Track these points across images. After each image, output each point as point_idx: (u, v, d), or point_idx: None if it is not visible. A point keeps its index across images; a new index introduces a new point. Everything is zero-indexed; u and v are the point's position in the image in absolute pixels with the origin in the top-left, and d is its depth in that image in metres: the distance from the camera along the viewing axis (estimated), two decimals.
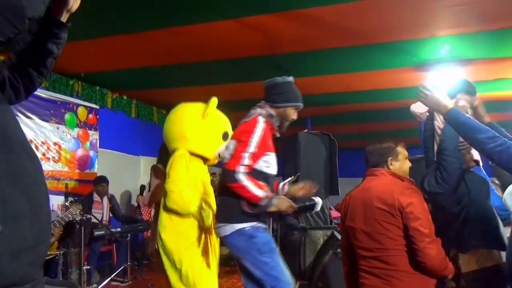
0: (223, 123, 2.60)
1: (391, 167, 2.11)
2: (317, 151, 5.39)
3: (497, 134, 1.75)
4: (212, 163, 2.65)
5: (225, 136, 2.55)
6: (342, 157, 6.22)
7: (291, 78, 2.62)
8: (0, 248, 0.89)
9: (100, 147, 5.74)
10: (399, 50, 4.26)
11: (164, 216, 2.44)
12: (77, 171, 5.29)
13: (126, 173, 6.27)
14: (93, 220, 4.09)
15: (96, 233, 4.07)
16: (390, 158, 2.10)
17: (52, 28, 1.09)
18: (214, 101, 2.53)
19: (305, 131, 5.72)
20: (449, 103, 1.90)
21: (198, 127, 2.49)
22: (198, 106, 2.55)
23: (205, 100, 5.77)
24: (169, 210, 2.41)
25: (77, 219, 3.30)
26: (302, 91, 6.24)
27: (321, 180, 5.30)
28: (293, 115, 2.57)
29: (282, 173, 5.88)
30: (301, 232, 4.58)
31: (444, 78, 4.67)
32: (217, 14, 3.55)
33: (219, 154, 2.57)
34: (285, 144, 6.04)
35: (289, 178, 4.44)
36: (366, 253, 2.01)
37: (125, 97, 6.28)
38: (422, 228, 1.87)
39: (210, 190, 2.65)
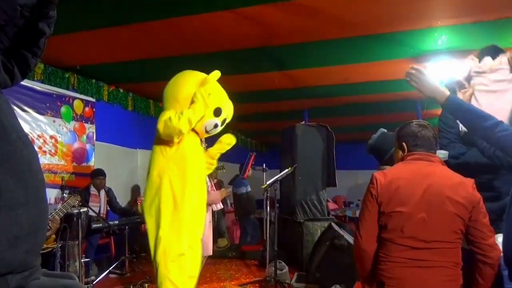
0: (219, 98, 2.53)
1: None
2: (315, 143, 5.40)
3: (499, 120, 1.72)
4: (200, 136, 2.62)
5: (216, 111, 2.49)
6: (340, 149, 6.23)
7: None
8: None
9: (96, 140, 5.72)
10: (396, 41, 4.25)
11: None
12: (73, 164, 5.27)
13: (123, 166, 6.25)
14: (91, 213, 4.08)
15: (94, 225, 4.07)
16: (435, 146, 1.96)
17: (41, 8, 1.08)
18: (216, 73, 2.49)
19: (302, 123, 5.73)
20: (446, 90, 1.84)
21: (192, 94, 2.42)
22: (199, 75, 2.52)
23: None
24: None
25: (75, 211, 3.29)
26: (299, 83, 6.30)
27: (318, 171, 5.32)
28: None
29: (280, 165, 5.90)
30: None
31: (442, 69, 4.67)
32: (213, 5, 3.52)
33: (205, 128, 2.53)
34: (282, 136, 6.05)
35: (286, 170, 4.46)
36: (414, 243, 1.81)
37: (121, 90, 6.26)
38: (489, 224, 1.81)
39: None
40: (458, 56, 4.51)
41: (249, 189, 7.18)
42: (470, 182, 1.86)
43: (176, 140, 2.37)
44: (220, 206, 3.81)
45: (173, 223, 2.34)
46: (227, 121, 2.70)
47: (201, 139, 2.73)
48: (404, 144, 1.97)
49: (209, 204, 3.66)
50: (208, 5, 3.53)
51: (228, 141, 2.99)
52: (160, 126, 2.29)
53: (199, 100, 2.36)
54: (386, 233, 1.86)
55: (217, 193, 3.62)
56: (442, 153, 2.21)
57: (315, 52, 4.70)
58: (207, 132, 2.56)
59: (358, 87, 6.00)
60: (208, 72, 5.49)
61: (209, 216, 3.55)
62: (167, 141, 2.38)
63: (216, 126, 2.56)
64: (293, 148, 5.41)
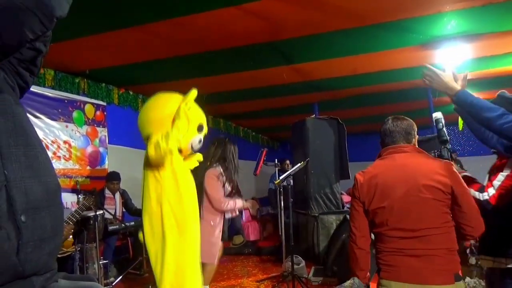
0: (200, 115, 2.56)
1: (413, 143, 2.06)
2: (326, 136, 5.37)
3: (507, 112, 1.74)
4: (184, 154, 2.60)
5: (200, 128, 2.53)
6: (352, 141, 6.18)
7: None
8: (25, 237, 0.94)
9: (109, 143, 5.78)
10: (404, 28, 4.18)
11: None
12: (88, 168, 5.34)
13: (137, 168, 6.26)
14: (107, 215, 4.13)
15: (110, 228, 4.11)
16: (411, 135, 2.06)
17: None
18: (194, 92, 2.50)
19: (312, 116, 5.70)
20: (457, 85, 1.92)
21: (173, 113, 2.42)
22: (177, 96, 2.53)
23: (212, 89, 5.77)
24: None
25: (91, 214, 3.33)
26: (308, 76, 6.26)
27: (331, 164, 5.29)
28: None
29: (292, 159, 5.88)
30: None
31: (452, 55, 4.60)
32: (218, 2, 3.52)
33: (191, 146, 2.55)
34: (293, 130, 6.03)
35: (299, 164, 4.44)
36: (402, 233, 1.91)
37: (131, 93, 6.30)
38: (474, 204, 1.91)
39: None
40: (468, 41, 4.45)
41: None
42: (446, 165, 1.93)
43: (167, 162, 2.37)
44: (236, 214, 3.77)
45: (179, 248, 2.34)
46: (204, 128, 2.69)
47: None
48: (382, 141, 2.12)
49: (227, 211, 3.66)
50: (213, 2, 3.52)
51: None
52: (151, 151, 2.27)
53: (181, 117, 2.36)
54: (376, 228, 2.00)
55: (241, 203, 3.57)
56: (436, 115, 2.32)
57: (323, 44, 4.65)
58: (192, 149, 2.56)
59: (368, 77, 5.93)
60: (216, 71, 5.53)
61: (220, 224, 3.54)
62: (158, 165, 2.38)
63: (200, 141, 2.57)
64: (305, 142, 5.39)
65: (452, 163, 1.99)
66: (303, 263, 4.46)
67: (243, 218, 7.56)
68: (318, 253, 4.91)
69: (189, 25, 3.93)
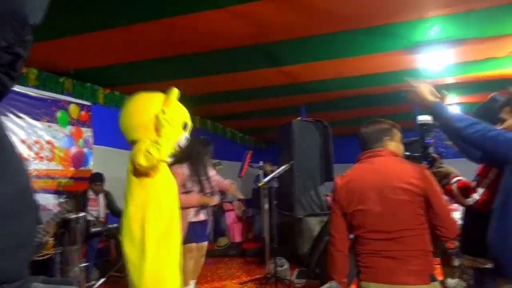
0: (183, 113, 2.52)
1: (389, 147, 2.11)
2: (312, 138, 5.41)
3: (478, 121, 1.80)
4: (170, 154, 2.60)
5: (185, 126, 2.49)
6: (338, 143, 6.23)
7: None
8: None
9: (94, 144, 5.72)
10: (389, 33, 4.23)
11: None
12: (71, 169, 5.28)
13: (122, 169, 6.19)
14: (90, 217, 4.10)
15: (93, 229, 4.08)
16: (386, 138, 2.11)
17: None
18: (175, 91, 2.47)
19: (298, 119, 5.73)
20: (433, 98, 1.98)
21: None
22: (158, 96, 2.46)
23: (200, 90, 5.72)
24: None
25: (72, 216, 3.30)
26: (295, 79, 6.28)
27: (316, 166, 5.33)
28: None
29: (277, 161, 5.91)
30: None
31: (435, 59, 4.66)
32: (205, 4, 3.52)
33: (179, 145, 2.53)
34: (279, 132, 6.05)
35: (283, 166, 4.47)
36: (378, 235, 1.96)
37: (117, 93, 6.25)
38: (444, 201, 1.98)
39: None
40: (451, 46, 4.51)
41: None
42: (419, 169, 2.00)
43: (156, 170, 2.35)
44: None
45: (160, 256, 2.31)
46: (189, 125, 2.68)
47: None
48: (360, 145, 2.18)
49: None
50: (200, 4, 3.52)
51: None
52: (141, 160, 2.22)
53: (165, 125, 2.31)
54: (354, 230, 2.05)
55: (195, 200, 3.61)
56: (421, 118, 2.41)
57: (309, 47, 4.68)
58: (180, 148, 2.54)
59: (353, 80, 5.98)
60: (203, 72, 5.52)
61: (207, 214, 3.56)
62: (146, 174, 2.35)
63: (186, 139, 2.55)
64: (290, 144, 5.41)
65: (426, 167, 2.04)
66: (286, 265, 4.47)
67: (229, 220, 7.56)
68: (302, 255, 4.94)
69: (176, 27, 3.92)
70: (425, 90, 2.01)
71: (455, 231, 1.98)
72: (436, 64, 4.78)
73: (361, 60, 5.03)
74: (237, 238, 7.35)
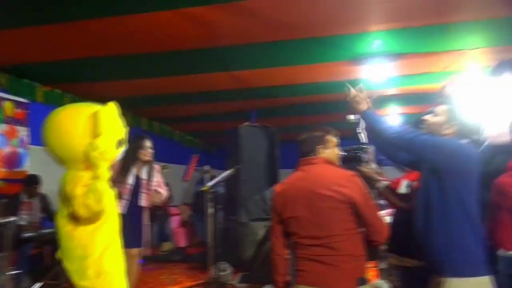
0: (118, 133, 2.15)
1: (322, 155, 2.18)
2: (258, 143, 5.46)
3: (404, 128, 1.95)
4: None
5: (119, 143, 2.15)
6: (286, 149, 6.32)
7: None
8: None
9: (31, 143, 5.40)
10: (335, 44, 4.37)
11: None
12: (3, 170, 4.95)
13: (60, 171, 5.95)
14: (22, 222, 3.86)
15: (25, 235, 3.84)
16: (319, 146, 2.18)
17: None
18: (109, 110, 2.05)
19: (246, 123, 5.76)
20: (366, 105, 2.18)
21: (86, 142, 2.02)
22: (86, 117, 2.00)
23: (148, 91, 5.52)
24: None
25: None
26: (244, 84, 6.32)
27: (262, 171, 5.38)
28: None
29: (224, 166, 5.90)
30: None
31: (377, 71, 4.87)
32: (155, 4, 3.45)
33: (115, 163, 2.33)
34: (227, 137, 6.05)
35: (228, 171, 4.47)
36: (311, 241, 2.04)
37: (58, 91, 5.95)
38: (373, 208, 2.08)
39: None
40: (392, 59, 4.74)
41: None
42: (349, 176, 2.11)
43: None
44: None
45: (107, 265, 2.17)
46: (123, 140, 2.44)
47: None
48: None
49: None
50: (150, 4, 3.45)
51: None
52: (82, 211, 1.95)
53: (100, 165, 1.99)
54: (291, 236, 2.15)
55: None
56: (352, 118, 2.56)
57: (259, 54, 4.74)
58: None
59: (301, 88, 6.12)
60: (150, 73, 5.40)
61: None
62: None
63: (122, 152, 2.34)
64: (237, 149, 5.43)
65: (355, 173, 2.15)
66: (229, 270, 4.47)
67: (173, 224, 7.43)
68: (246, 260, 4.95)
69: (122, 25, 3.81)
70: (362, 97, 2.20)
71: (385, 235, 2.09)
72: (378, 76, 5.00)
73: (308, 69, 5.17)
74: (182, 243, 7.23)
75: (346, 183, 2.04)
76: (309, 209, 2.05)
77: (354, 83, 5.15)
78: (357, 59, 4.74)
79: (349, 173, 2.13)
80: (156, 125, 8.73)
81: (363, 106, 2.20)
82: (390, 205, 2.74)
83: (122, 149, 2.20)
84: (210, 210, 4.26)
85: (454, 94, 2.42)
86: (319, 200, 2.02)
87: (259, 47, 4.46)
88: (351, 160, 2.80)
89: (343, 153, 2.37)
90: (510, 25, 4.00)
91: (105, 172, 2.01)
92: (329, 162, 2.18)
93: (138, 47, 4.40)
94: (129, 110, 6.92)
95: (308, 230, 2.05)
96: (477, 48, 4.67)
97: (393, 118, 7.75)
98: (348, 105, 2.28)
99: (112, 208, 2.19)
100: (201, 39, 4.20)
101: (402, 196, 2.51)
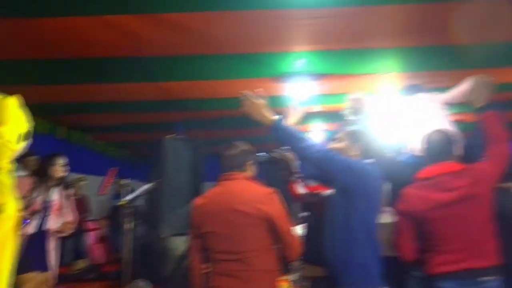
0: (22, 123, 2.05)
1: (247, 171, 2.21)
2: (183, 156, 5.37)
3: (316, 143, 2.02)
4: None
5: (26, 135, 2.05)
6: (212, 162, 6.29)
7: None
8: None
9: None
10: (259, 61, 4.50)
11: None
12: None
13: None
14: None
15: None
16: (248, 162, 2.23)
17: None
18: (14, 100, 1.97)
19: (171, 135, 5.65)
20: (271, 115, 2.13)
21: None
22: None
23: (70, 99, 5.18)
24: None
25: None
26: (171, 95, 6.23)
27: (185, 185, 5.28)
28: None
29: (147, 178, 5.72)
30: None
31: (300, 89, 5.05)
32: (73, 9, 3.29)
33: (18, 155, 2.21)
34: (151, 148, 5.88)
35: (147, 185, 4.34)
36: (226, 256, 2.07)
37: None
38: (288, 225, 2.13)
39: None
40: (314, 79, 4.96)
41: None
42: (268, 193, 2.16)
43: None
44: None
45: None
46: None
47: None
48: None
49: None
50: (67, 9, 3.28)
51: None
52: None
53: (2, 149, 1.89)
54: (207, 251, 2.16)
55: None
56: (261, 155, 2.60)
57: (185, 66, 4.73)
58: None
59: (228, 102, 6.15)
60: (70, 78, 5.12)
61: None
62: None
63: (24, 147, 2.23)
64: (161, 161, 5.30)
65: (274, 191, 2.19)
66: (148, 287, 4.31)
67: (90, 240, 7.00)
68: (165, 275, 4.81)
69: (39, 29, 3.58)
70: (264, 106, 2.16)
71: (298, 252, 2.16)
72: (301, 93, 5.18)
73: (234, 83, 5.22)
74: (99, 260, 6.83)
75: (265, 200, 2.10)
76: (226, 224, 2.07)
77: (279, 99, 5.37)
78: (281, 76, 4.90)
79: (269, 190, 2.18)
80: (76, 134, 8.24)
81: (270, 115, 2.12)
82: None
83: (25, 143, 2.08)
84: (128, 225, 4.10)
85: (358, 113, 2.56)
86: (238, 216, 2.05)
87: (185, 60, 4.45)
88: (270, 163, 2.85)
89: (263, 155, 2.41)
90: (417, 53, 4.40)
91: (7, 164, 1.91)
92: (250, 178, 2.22)
93: (56, 52, 4.16)
94: (45, 117, 6.50)
95: (224, 245, 2.07)
96: (390, 72, 5.06)
97: (317, 134, 8.09)
98: (247, 111, 2.19)
99: (9, 218, 2.04)
100: (124, 47, 4.09)
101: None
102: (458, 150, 2.18)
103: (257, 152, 2.48)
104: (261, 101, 2.16)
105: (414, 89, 3.03)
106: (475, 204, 2.02)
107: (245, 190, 2.16)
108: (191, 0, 3.24)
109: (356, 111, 2.62)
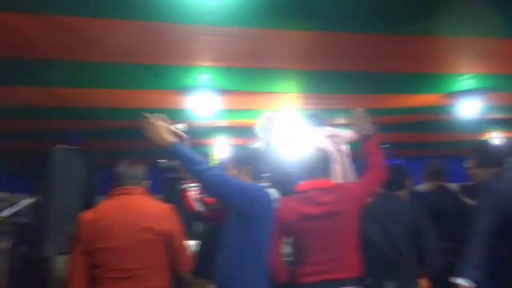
0: None
1: (143, 186, 2.24)
2: (74, 168, 4.96)
3: (213, 166, 2.06)
4: None
5: None
6: (108, 174, 5.94)
7: None
8: None
9: None
10: (163, 73, 4.43)
11: None
12: None
13: None
14: None
15: None
16: (144, 177, 2.27)
17: None
18: None
19: (61, 145, 5.23)
20: (170, 138, 2.10)
21: None
22: None
23: None
24: None
25: None
26: (63, 102, 5.79)
27: (76, 199, 4.90)
28: None
29: (31, 192, 5.19)
30: None
31: (204, 103, 5.04)
32: None
33: None
34: (38, 159, 5.36)
35: (31, 199, 3.93)
36: (118, 274, 2.00)
37: None
38: (184, 241, 2.17)
39: None
40: (217, 94, 5.01)
41: None
42: (167, 209, 2.20)
43: None
44: None
45: None
46: None
47: None
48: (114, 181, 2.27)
49: None
50: None
51: None
52: None
53: None
54: (94, 269, 2.06)
55: None
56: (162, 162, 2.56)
57: (81, 72, 4.44)
58: None
59: (127, 112, 5.92)
60: None
61: None
62: None
63: None
64: (48, 173, 4.86)
65: (173, 207, 2.19)
66: None
67: None
68: None
69: None
70: (163, 128, 2.12)
71: (190, 267, 2.20)
72: (205, 108, 5.17)
73: (134, 94, 5.08)
74: None
75: (167, 216, 2.13)
76: (125, 240, 2.01)
77: (182, 112, 5.32)
78: (184, 90, 4.87)
79: (168, 206, 2.20)
80: None
81: (169, 138, 2.10)
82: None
83: None
84: (5, 244, 3.67)
85: (269, 131, 2.64)
86: (140, 232, 2.02)
87: (80, 66, 4.18)
88: (170, 170, 2.80)
89: (164, 162, 2.39)
90: (313, 76, 4.72)
91: None
92: (147, 193, 2.22)
93: None
94: None
95: (117, 262, 2.01)
96: (290, 92, 5.34)
97: (222, 148, 8.16)
98: (148, 136, 2.15)
99: None
100: (7, 48, 3.71)
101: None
102: (335, 168, 2.37)
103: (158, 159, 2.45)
104: (163, 124, 2.10)
105: (315, 119, 3.21)
106: (340, 219, 2.20)
107: (146, 205, 2.15)
108: (90, 5, 3.06)
109: (266, 129, 2.72)
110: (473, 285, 2.28)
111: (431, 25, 3.47)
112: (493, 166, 2.68)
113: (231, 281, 2.04)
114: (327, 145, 2.68)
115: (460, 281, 2.32)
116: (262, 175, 2.32)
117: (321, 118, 3.13)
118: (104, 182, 5.51)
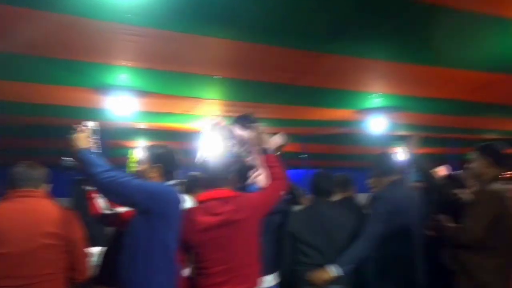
0: None
1: (44, 189, 2.13)
2: None
3: (113, 169, 1.97)
4: None
5: None
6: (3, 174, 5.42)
7: None
8: None
9: None
10: (78, 69, 4.20)
11: None
12: None
13: None
14: None
15: None
16: (41, 180, 2.15)
17: None
18: None
19: None
20: (83, 144, 2.02)
21: None
22: None
23: None
24: None
25: None
26: None
27: None
28: None
29: None
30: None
31: (122, 104, 4.87)
32: None
33: None
34: None
35: None
36: (10, 282, 1.85)
37: None
38: (84, 248, 2.10)
39: None
40: (136, 95, 4.87)
41: None
42: (66, 213, 2.11)
43: None
44: None
45: None
46: None
47: None
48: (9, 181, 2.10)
49: None
50: None
51: None
52: None
53: None
54: None
55: None
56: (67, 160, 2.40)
57: None
58: None
59: (41, 108, 5.52)
60: None
61: None
62: None
63: None
64: None
65: (74, 213, 2.10)
66: None
67: None
68: None
69: None
70: (81, 135, 2.06)
71: (88, 274, 2.12)
72: (123, 109, 4.99)
73: (48, 89, 4.75)
74: None
75: (66, 221, 2.03)
76: (24, 245, 1.89)
77: (99, 111, 5.06)
78: (101, 88, 4.68)
79: (70, 211, 2.12)
80: None
81: (81, 145, 2.04)
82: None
83: None
84: None
85: (212, 136, 2.63)
86: (39, 237, 1.91)
87: None
88: (75, 169, 2.65)
89: (69, 160, 2.28)
90: (234, 84, 4.81)
91: None
92: (49, 197, 2.10)
93: None
94: None
95: (14, 269, 1.87)
96: (213, 99, 5.38)
97: (142, 151, 7.91)
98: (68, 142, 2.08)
99: None
100: None
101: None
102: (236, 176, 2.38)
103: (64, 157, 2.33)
104: (84, 132, 2.06)
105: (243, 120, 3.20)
106: (237, 228, 2.12)
107: (47, 209, 2.05)
108: None
109: (210, 134, 2.70)
110: (342, 274, 2.59)
111: (346, 46, 3.74)
112: (388, 175, 2.96)
113: (136, 283, 1.98)
114: (248, 149, 2.68)
115: (333, 268, 2.59)
116: (176, 177, 2.29)
117: (249, 120, 3.10)
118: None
